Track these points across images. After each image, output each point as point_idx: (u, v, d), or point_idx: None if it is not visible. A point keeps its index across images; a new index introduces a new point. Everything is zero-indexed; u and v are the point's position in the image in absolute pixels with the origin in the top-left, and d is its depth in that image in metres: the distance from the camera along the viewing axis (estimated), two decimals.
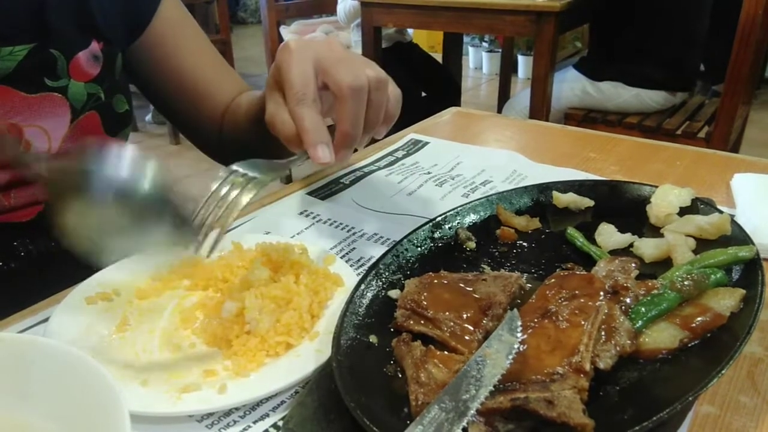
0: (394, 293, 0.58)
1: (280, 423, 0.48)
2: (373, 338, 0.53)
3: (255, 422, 0.49)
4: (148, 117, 4.29)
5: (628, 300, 0.51)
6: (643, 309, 0.49)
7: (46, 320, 0.59)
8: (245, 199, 0.54)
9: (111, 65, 0.78)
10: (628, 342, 0.46)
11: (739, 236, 0.57)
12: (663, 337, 0.47)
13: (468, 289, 0.55)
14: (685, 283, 0.51)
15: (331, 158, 0.58)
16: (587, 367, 0.44)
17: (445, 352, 0.49)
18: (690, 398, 0.40)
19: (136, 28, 0.83)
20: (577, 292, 0.51)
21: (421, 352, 0.48)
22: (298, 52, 0.60)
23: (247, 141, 0.87)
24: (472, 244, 0.66)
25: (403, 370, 0.48)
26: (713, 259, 0.54)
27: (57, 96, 0.73)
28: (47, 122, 0.73)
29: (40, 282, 0.65)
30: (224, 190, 0.55)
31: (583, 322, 0.47)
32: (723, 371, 0.41)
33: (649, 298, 0.50)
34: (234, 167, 0.57)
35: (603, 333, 0.47)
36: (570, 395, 0.41)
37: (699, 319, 0.48)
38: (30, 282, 0.66)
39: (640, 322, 0.48)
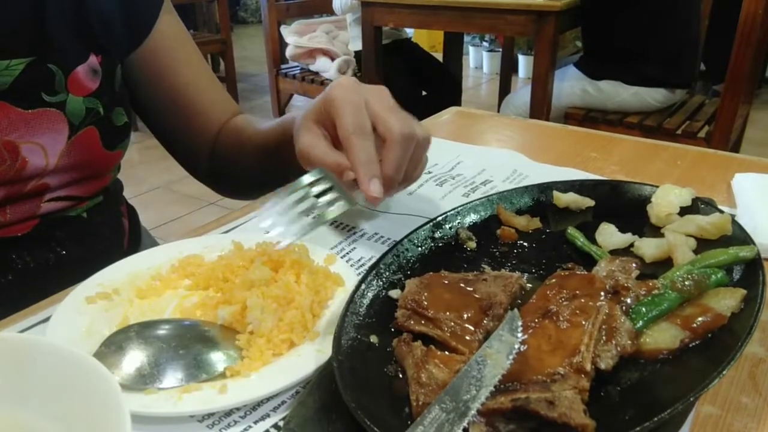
0: (394, 293, 0.58)
1: (281, 423, 0.48)
2: (373, 338, 0.53)
3: (256, 422, 0.49)
4: None
5: (628, 300, 0.50)
6: (643, 309, 0.49)
7: (46, 320, 0.59)
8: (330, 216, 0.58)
9: (110, 79, 0.77)
10: (629, 342, 0.46)
11: (739, 236, 0.57)
12: (664, 337, 0.47)
13: (468, 289, 0.55)
14: (686, 283, 0.51)
15: (382, 195, 0.58)
16: (588, 367, 0.43)
17: (446, 353, 0.49)
18: (691, 399, 0.40)
19: (135, 37, 0.82)
20: (577, 292, 0.51)
21: (422, 353, 0.48)
22: (353, 90, 0.61)
23: (246, 165, 0.87)
24: (472, 244, 0.66)
25: (404, 371, 0.48)
26: (714, 259, 0.54)
27: (55, 112, 0.71)
28: (44, 138, 0.71)
29: (38, 292, 0.65)
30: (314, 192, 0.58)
31: (583, 323, 0.47)
32: (724, 372, 0.41)
33: (649, 298, 0.50)
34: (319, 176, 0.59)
35: (604, 333, 0.47)
36: (571, 395, 0.41)
37: (700, 319, 0.48)
38: (27, 293, 0.65)
39: (640, 323, 0.48)
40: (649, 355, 0.47)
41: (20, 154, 0.70)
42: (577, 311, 0.49)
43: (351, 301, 0.55)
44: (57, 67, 0.71)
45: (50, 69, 0.71)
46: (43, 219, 0.77)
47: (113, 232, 0.88)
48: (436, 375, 0.46)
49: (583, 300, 0.50)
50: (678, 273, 0.53)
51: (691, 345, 0.47)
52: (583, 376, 0.43)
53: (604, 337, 0.47)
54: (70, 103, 0.73)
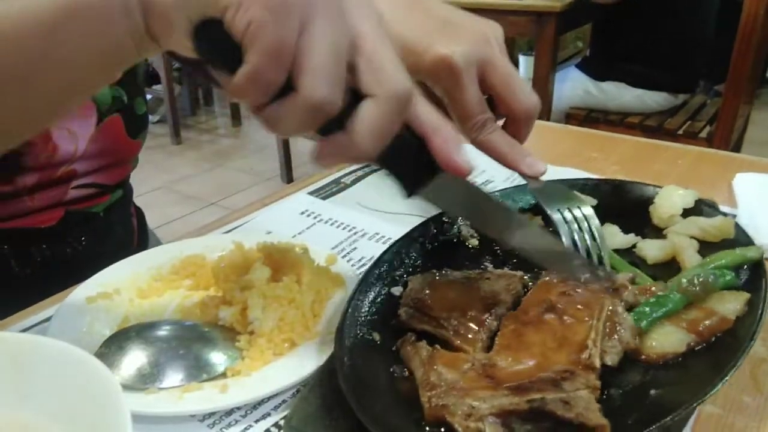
0: (396, 290, 0.58)
1: (282, 422, 0.48)
2: (376, 335, 0.53)
3: (256, 421, 0.49)
4: (149, 116, 4.29)
5: (629, 297, 0.50)
6: (647, 309, 0.49)
7: (47, 320, 0.59)
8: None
9: (134, 67, 0.79)
10: (632, 338, 0.46)
11: (742, 239, 0.56)
12: (671, 340, 0.47)
13: (472, 287, 0.55)
14: (692, 284, 0.50)
15: (545, 167, 0.57)
16: (597, 363, 0.43)
17: (452, 353, 0.49)
18: (694, 405, 0.40)
19: None
20: (579, 289, 0.51)
21: (428, 353, 0.48)
22: (466, 69, 0.54)
23: None
24: (474, 242, 0.66)
25: (407, 368, 0.48)
26: (722, 260, 0.53)
27: None
28: (74, 124, 0.74)
29: (53, 285, 0.65)
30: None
31: (587, 318, 0.47)
32: (727, 378, 0.41)
33: (654, 299, 0.50)
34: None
35: (606, 329, 0.47)
36: (586, 395, 0.41)
37: (706, 322, 0.47)
38: (42, 286, 0.66)
39: (644, 322, 0.48)
40: (656, 358, 0.46)
41: (52, 140, 0.72)
42: (580, 307, 0.48)
43: (353, 298, 0.55)
44: None
45: None
46: (67, 213, 0.78)
47: (125, 231, 0.90)
48: (445, 376, 0.45)
49: (585, 296, 0.50)
50: (686, 275, 0.52)
51: (696, 348, 0.47)
52: (591, 372, 0.43)
53: (606, 334, 0.46)
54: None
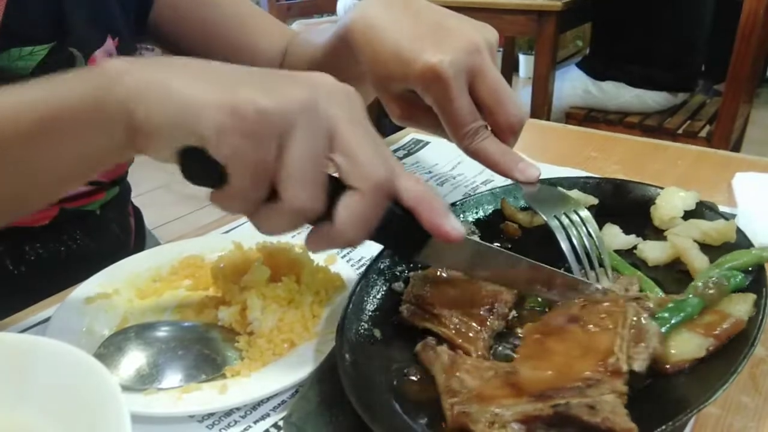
0: (397, 286, 0.58)
1: (281, 423, 0.48)
2: (376, 332, 0.53)
3: (256, 422, 0.49)
4: None
5: (650, 305, 0.50)
6: (667, 315, 0.48)
7: (46, 320, 0.59)
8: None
9: None
10: (658, 344, 0.45)
11: (743, 243, 0.56)
12: (690, 347, 0.46)
13: (473, 286, 0.55)
14: (708, 287, 0.50)
15: (539, 170, 0.58)
16: (624, 368, 0.42)
17: (475, 359, 0.48)
18: (694, 412, 0.39)
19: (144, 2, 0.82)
20: (601, 301, 0.50)
21: (450, 358, 0.47)
22: (455, 78, 0.54)
23: None
24: (475, 239, 0.66)
25: (409, 363, 0.48)
26: (736, 261, 0.53)
27: None
28: None
29: (47, 284, 0.65)
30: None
31: (611, 326, 0.46)
32: (727, 384, 0.40)
33: (672, 304, 0.49)
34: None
35: (632, 336, 0.46)
36: (612, 399, 0.40)
37: (724, 326, 0.47)
38: (37, 285, 0.66)
39: (664, 328, 0.47)
40: (676, 366, 0.46)
41: None
42: (603, 315, 0.48)
43: (354, 293, 0.55)
44: (78, 51, 0.72)
45: (71, 53, 0.72)
46: (62, 210, 0.78)
47: (122, 231, 0.90)
48: (467, 382, 0.45)
49: (607, 305, 0.49)
50: (702, 278, 0.52)
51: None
52: (618, 378, 0.42)
53: (632, 340, 0.46)
54: None
